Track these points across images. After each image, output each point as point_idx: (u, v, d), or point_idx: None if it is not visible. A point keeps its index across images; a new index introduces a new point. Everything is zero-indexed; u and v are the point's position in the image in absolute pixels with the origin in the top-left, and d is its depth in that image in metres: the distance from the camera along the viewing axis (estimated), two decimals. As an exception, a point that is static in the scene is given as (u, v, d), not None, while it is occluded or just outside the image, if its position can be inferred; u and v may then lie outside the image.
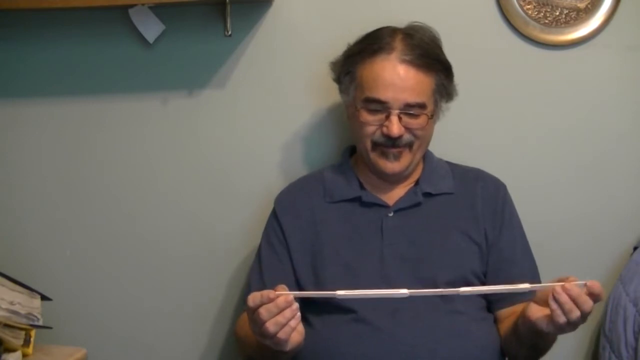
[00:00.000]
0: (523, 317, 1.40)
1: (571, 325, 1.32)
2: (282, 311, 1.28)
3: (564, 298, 1.29)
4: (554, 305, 1.30)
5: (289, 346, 1.33)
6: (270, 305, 1.28)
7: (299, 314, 1.31)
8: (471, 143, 1.82)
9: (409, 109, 1.53)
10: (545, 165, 1.83)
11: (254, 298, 1.30)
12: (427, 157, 1.67)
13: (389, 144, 1.55)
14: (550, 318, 1.32)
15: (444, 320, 1.50)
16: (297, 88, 1.84)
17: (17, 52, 1.86)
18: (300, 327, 1.33)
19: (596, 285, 1.30)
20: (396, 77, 1.53)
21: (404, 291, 1.30)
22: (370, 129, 1.55)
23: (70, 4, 1.69)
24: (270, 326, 1.28)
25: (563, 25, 1.78)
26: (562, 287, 1.30)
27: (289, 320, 1.29)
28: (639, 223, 1.81)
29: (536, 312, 1.36)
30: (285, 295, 1.29)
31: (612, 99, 1.81)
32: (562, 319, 1.30)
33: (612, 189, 1.82)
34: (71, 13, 1.81)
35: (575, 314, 1.29)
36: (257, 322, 1.30)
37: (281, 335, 1.29)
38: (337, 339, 1.51)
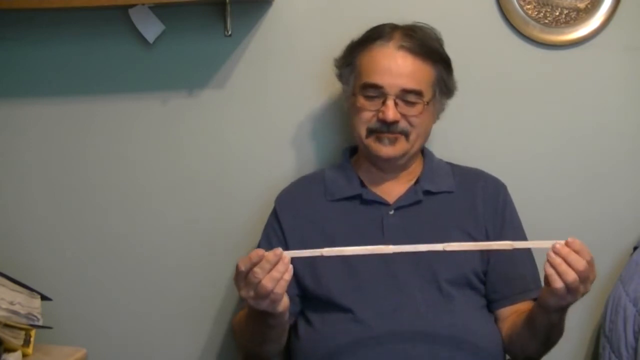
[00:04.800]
0: (538, 305, 1.42)
1: (572, 292, 1.32)
2: (274, 266, 1.30)
3: (557, 260, 1.30)
4: (550, 270, 1.31)
5: (282, 306, 1.34)
6: (263, 262, 1.30)
7: (291, 266, 1.32)
8: (471, 143, 1.82)
9: (406, 96, 1.54)
10: (545, 165, 1.83)
11: (244, 261, 1.32)
12: (427, 156, 1.67)
13: (384, 130, 1.55)
14: (550, 287, 1.32)
15: (444, 320, 1.50)
16: (297, 88, 1.84)
17: (17, 52, 1.86)
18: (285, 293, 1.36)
19: (575, 242, 1.31)
20: (393, 62, 1.54)
21: (390, 247, 1.35)
22: (367, 115, 1.56)
23: (70, 4, 1.69)
24: (267, 283, 1.30)
25: (563, 25, 1.77)
26: (554, 247, 1.31)
27: (283, 273, 1.31)
28: (639, 223, 1.81)
29: (543, 291, 1.38)
30: (273, 251, 1.31)
31: (612, 99, 1.80)
32: (559, 283, 1.30)
33: (612, 189, 1.82)
34: (71, 13, 1.81)
35: (571, 275, 1.30)
36: (251, 284, 1.31)
37: (278, 289, 1.31)
38: (336, 337, 1.51)
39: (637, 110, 1.80)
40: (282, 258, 1.31)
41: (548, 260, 1.32)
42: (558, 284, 1.31)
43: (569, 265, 1.30)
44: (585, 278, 1.32)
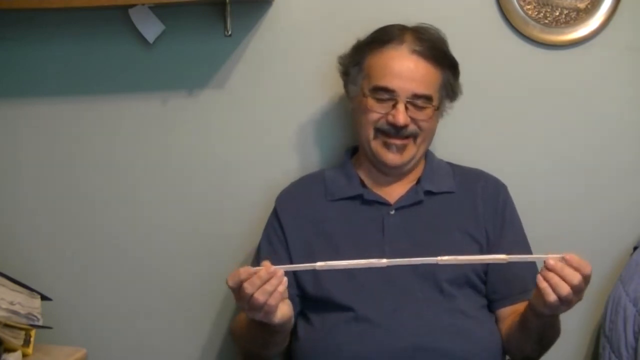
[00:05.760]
0: (530, 309, 1.41)
1: (565, 303, 1.31)
2: (265, 282, 1.30)
3: (550, 274, 1.29)
4: (543, 284, 1.30)
5: (278, 316, 1.34)
6: (254, 279, 1.30)
7: (285, 279, 1.32)
8: (471, 143, 1.82)
9: (416, 100, 1.54)
10: (545, 165, 1.83)
11: (233, 277, 1.31)
12: (428, 156, 1.67)
13: (392, 133, 1.55)
14: (543, 298, 1.31)
15: (445, 319, 1.50)
16: (297, 88, 1.84)
17: (17, 52, 1.86)
18: (289, 302, 1.36)
19: (574, 259, 1.29)
20: (405, 66, 1.54)
21: (383, 260, 1.33)
22: (375, 116, 1.56)
23: (70, 4, 1.69)
24: (259, 296, 1.30)
25: (563, 25, 1.77)
26: (546, 263, 1.30)
27: (276, 286, 1.31)
28: (639, 223, 1.81)
29: (535, 295, 1.37)
30: (266, 266, 1.31)
31: (612, 99, 1.80)
32: (552, 297, 1.30)
33: (612, 189, 1.82)
34: (71, 13, 1.81)
35: (565, 289, 1.29)
36: (244, 298, 1.31)
37: (271, 301, 1.31)
38: (336, 338, 1.51)
39: (637, 110, 1.80)
40: (275, 272, 1.31)
41: (541, 274, 1.31)
42: (551, 297, 1.30)
43: (563, 279, 1.29)
44: (579, 290, 1.31)
